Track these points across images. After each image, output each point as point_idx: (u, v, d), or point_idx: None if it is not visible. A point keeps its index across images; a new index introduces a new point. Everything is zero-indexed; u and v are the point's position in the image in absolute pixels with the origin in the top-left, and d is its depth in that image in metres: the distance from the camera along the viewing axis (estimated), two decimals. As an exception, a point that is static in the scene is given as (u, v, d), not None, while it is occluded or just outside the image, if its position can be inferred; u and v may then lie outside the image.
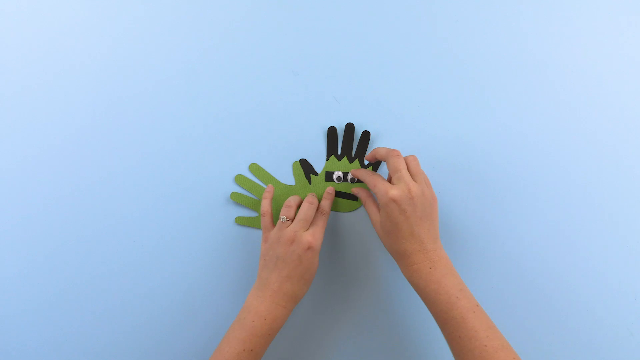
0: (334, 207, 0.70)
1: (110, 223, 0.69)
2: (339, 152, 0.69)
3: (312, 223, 0.63)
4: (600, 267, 0.69)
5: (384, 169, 0.70)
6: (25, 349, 0.70)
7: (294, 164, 0.69)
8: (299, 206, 0.66)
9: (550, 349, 0.70)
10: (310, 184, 0.69)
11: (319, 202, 0.66)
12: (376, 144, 0.69)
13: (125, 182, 0.69)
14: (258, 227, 0.70)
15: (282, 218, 0.63)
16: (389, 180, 0.62)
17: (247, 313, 0.60)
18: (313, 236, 0.61)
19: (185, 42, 0.69)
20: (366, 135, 0.68)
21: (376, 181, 0.59)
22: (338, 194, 0.69)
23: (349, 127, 0.68)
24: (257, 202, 0.70)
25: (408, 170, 0.59)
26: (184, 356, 0.70)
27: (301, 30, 0.69)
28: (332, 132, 0.69)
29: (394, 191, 0.56)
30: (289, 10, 0.69)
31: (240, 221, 0.70)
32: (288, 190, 0.70)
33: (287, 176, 0.70)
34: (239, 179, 0.70)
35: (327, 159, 0.69)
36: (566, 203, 0.69)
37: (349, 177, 0.69)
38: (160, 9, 0.68)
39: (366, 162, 0.69)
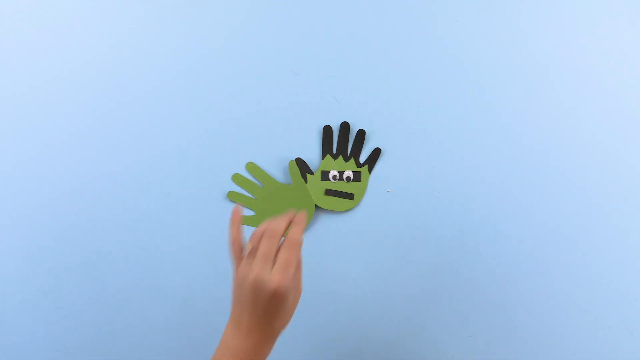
0: (331, 207, 0.70)
1: (110, 223, 0.70)
2: (335, 151, 0.69)
3: (279, 256, 0.51)
4: (600, 267, 0.69)
5: (377, 170, 0.69)
6: (26, 348, 0.70)
7: (290, 162, 0.70)
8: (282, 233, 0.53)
9: (550, 348, 0.70)
10: (306, 183, 0.70)
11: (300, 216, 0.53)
12: (373, 144, 0.69)
13: (124, 181, 0.69)
14: (255, 226, 0.70)
15: (247, 249, 0.52)
16: None
17: (222, 354, 0.51)
18: (281, 275, 0.49)
19: (185, 42, 0.69)
20: (361, 134, 0.68)
21: None
22: (333, 193, 0.69)
23: (344, 126, 0.68)
24: (254, 201, 0.70)
25: None
26: (183, 356, 0.71)
27: (301, 30, 0.69)
28: (327, 131, 0.69)
29: None
30: (289, 10, 0.69)
31: (238, 220, 0.70)
32: (285, 189, 0.70)
33: (285, 175, 0.70)
34: (236, 178, 0.70)
35: (323, 158, 0.70)
36: (566, 203, 0.69)
37: (345, 175, 0.69)
38: (161, 9, 0.69)
39: None
